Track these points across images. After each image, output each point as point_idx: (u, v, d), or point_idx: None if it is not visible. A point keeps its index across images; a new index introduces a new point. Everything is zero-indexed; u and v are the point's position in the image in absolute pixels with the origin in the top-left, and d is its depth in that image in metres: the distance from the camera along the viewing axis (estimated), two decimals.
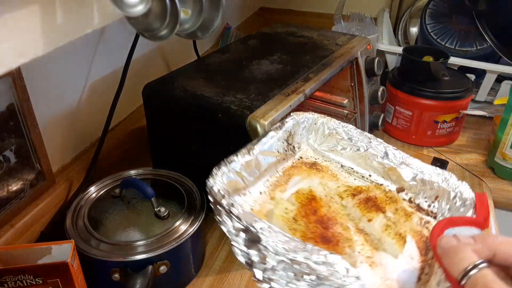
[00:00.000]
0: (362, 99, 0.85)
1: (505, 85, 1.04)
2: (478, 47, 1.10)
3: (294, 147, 0.61)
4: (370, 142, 0.60)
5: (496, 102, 1.03)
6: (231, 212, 0.42)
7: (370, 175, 0.58)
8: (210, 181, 0.46)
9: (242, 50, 0.82)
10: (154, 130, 0.73)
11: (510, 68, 1.00)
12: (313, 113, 0.64)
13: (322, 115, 0.64)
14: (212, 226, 0.73)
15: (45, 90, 0.64)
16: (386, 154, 0.58)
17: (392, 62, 1.10)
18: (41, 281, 0.47)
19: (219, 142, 0.63)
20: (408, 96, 0.92)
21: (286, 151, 0.59)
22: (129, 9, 0.30)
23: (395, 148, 0.59)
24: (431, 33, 1.15)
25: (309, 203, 0.50)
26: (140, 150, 0.85)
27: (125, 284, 0.53)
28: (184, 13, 0.38)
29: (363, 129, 0.86)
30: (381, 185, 0.57)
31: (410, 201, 0.54)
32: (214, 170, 0.48)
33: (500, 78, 1.05)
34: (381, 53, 1.08)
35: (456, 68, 1.01)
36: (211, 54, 0.80)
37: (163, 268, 0.56)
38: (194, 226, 0.59)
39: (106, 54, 0.76)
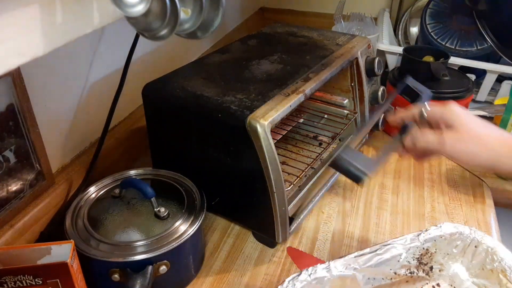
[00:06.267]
0: (362, 99, 0.85)
1: (506, 85, 1.03)
2: (479, 47, 1.10)
3: (432, 268, 0.47)
4: None
5: (496, 102, 1.03)
6: None
7: None
8: None
9: (242, 50, 0.82)
10: (154, 130, 0.72)
11: (511, 68, 1.00)
12: (475, 229, 0.48)
13: (488, 237, 0.47)
14: (212, 226, 0.73)
15: (45, 90, 0.64)
16: None
17: (392, 62, 1.10)
18: (41, 282, 0.47)
19: (219, 142, 0.63)
20: None
21: (413, 273, 0.45)
22: (129, 9, 0.30)
23: None
24: (431, 33, 1.15)
25: None
26: (140, 150, 0.85)
27: (125, 284, 0.53)
28: (184, 13, 0.37)
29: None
30: None
31: None
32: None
33: (501, 78, 1.04)
34: (381, 53, 1.08)
35: (456, 68, 1.01)
36: (211, 54, 0.80)
37: (163, 268, 0.56)
38: (194, 226, 0.59)
39: (106, 54, 0.76)
